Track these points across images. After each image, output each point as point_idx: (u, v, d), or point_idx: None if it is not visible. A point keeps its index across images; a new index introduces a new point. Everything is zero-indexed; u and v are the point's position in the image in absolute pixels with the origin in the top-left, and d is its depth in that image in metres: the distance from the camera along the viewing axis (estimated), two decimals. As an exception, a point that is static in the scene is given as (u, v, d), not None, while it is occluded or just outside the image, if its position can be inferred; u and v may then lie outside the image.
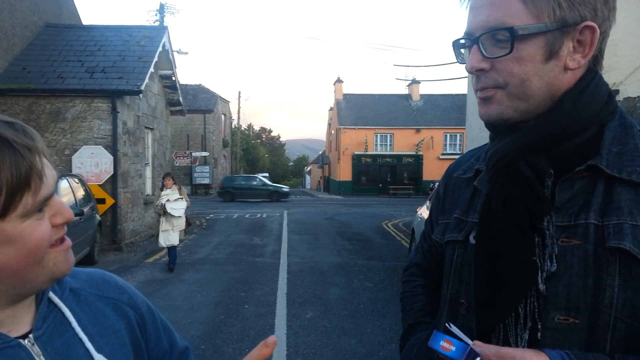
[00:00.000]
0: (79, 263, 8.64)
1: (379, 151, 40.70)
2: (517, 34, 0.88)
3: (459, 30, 1.05)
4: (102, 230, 10.68)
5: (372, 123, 40.44)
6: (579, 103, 0.92)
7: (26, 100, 11.00)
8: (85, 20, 16.34)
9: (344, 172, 40.73)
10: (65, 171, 10.31)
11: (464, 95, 18.56)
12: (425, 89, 44.70)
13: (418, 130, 39.95)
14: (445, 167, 1.32)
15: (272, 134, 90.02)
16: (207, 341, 5.30)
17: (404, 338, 1.29)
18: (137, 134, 12.69)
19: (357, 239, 13.41)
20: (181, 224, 8.87)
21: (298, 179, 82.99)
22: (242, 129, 57.51)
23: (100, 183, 11.08)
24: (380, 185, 40.24)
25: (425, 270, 1.35)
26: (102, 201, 10.92)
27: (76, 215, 8.05)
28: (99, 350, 0.80)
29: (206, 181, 34.47)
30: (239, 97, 48.70)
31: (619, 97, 6.17)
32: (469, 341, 0.87)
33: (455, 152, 39.67)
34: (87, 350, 0.79)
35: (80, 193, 9.34)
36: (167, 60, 14.26)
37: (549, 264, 0.90)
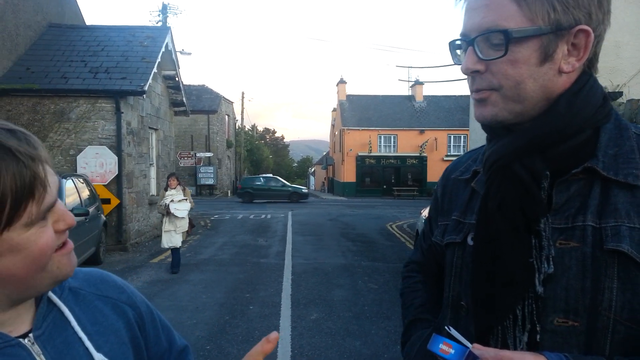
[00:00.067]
0: (85, 263, 8.67)
1: (383, 152, 40.67)
2: (512, 37, 0.88)
3: (458, 31, 1.05)
4: (107, 230, 10.70)
5: (376, 124, 40.43)
6: (573, 105, 0.92)
7: (30, 100, 11.04)
8: (88, 21, 16.40)
9: (348, 173, 40.72)
10: (70, 171, 10.33)
11: (468, 96, 18.55)
12: (428, 90, 44.57)
13: (422, 132, 39.91)
14: (449, 168, 1.33)
15: (276, 134, 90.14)
16: (212, 342, 5.30)
17: (405, 335, 1.29)
18: (141, 135, 12.71)
19: (361, 240, 13.40)
20: (184, 225, 8.82)
21: (302, 180, 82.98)
22: (246, 129, 57.57)
23: (105, 183, 11.12)
24: (385, 186, 40.20)
25: (424, 268, 1.36)
26: (107, 201, 10.96)
27: (81, 215, 8.08)
28: (98, 349, 0.81)
29: (210, 182, 34.54)
30: (243, 97, 48.76)
31: (622, 99, 6.14)
32: (468, 344, 0.88)
33: (459, 153, 39.57)
34: (86, 349, 0.80)
35: (86, 193, 9.36)
36: (170, 60, 14.29)
37: (546, 265, 0.90)
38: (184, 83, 16.48)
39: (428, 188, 37.77)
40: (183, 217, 8.69)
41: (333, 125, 50.39)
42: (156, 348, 0.96)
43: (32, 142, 0.71)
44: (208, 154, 33.84)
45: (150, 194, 13.67)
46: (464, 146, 39.66)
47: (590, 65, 0.95)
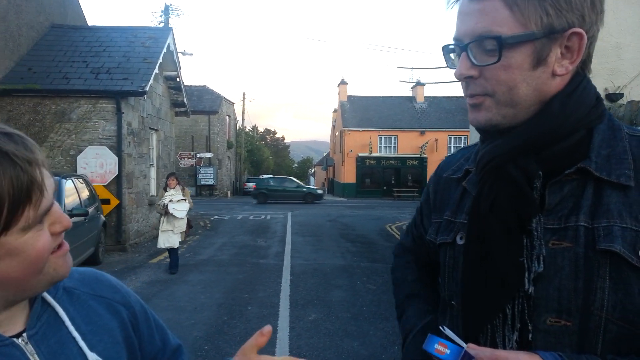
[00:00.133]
0: (84, 263, 8.67)
1: (383, 153, 40.66)
2: (505, 43, 0.88)
3: (452, 35, 1.05)
4: (106, 230, 10.72)
5: (377, 125, 40.41)
6: (567, 106, 0.92)
7: (32, 101, 11.06)
8: (91, 21, 16.43)
9: (348, 174, 40.71)
10: (70, 171, 10.33)
11: (469, 97, 18.52)
12: (429, 91, 44.65)
13: (422, 133, 39.89)
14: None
15: (277, 135, 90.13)
16: (210, 342, 5.31)
17: (399, 308, 1.32)
18: (141, 135, 12.73)
19: (360, 241, 13.40)
20: (182, 225, 8.72)
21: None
22: (247, 130, 57.60)
23: (105, 184, 11.13)
24: (385, 187, 40.19)
25: (415, 253, 1.39)
26: (106, 202, 10.97)
27: (81, 215, 8.08)
28: (91, 349, 0.81)
29: (210, 182, 34.55)
30: (244, 98, 48.79)
31: (623, 101, 6.15)
32: (463, 344, 0.88)
33: (459, 154, 39.51)
34: (80, 348, 0.80)
35: (85, 193, 9.37)
36: (171, 61, 14.31)
37: (536, 264, 0.91)
38: (185, 83, 16.49)
39: (428, 189, 37.67)
40: (181, 218, 8.62)
41: (334, 126, 50.39)
42: (150, 347, 0.96)
43: (29, 146, 0.71)
44: (208, 155, 33.83)
45: (150, 194, 13.68)
46: (464, 148, 39.56)
47: (584, 66, 0.96)
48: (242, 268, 9.35)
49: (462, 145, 40.13)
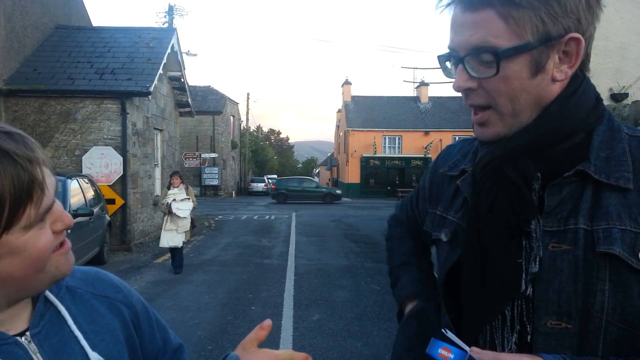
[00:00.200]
0: (89, 263, 8.69)
1: (388, 153, 40.62)
2: (502, 55, 0.88)
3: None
4: (111, 230, 10.76)
5: (381, 125, 40.37)
6: (566, 109, 0.92)
7: (37, 101, 11.12)
8: (95, 22, 16.49)
9: (352, 175, 40.69)
10: (76, 171, 10.38)
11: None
12: (434, 91, 44.55)
13: (426, 133, 39.83)
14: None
15: (281, 135, 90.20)
16: (214, 342, 5.32)
17: (393, 275, 1.36)
18: (146, 135, 12.76)
19: (364, 241, 13.39)
20: (186, 225, 8.66)
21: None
22: (251, 130, 57.65)
23: (110, 184, 11.18)
24: (389, 187, 40.13)
25: (409, 228, 1.44)
26: (111, 202, 11.01)
27: (86, 215, 8.11)
28: (93, 348, 0.81)
29: (215, 182, 34.59)
30: (248, 98, 48.87)
31: (628, 101, 6.13)
32: (467, 348, 0.88)
33: (464, 154, 39.43)
34: (82, 347, 0.80)
35: (90, 193, 9.40)
36: (176, 61, 14.35)
37: (532, 265, 0.91)
38: (190, 84, 16.53)
39: (432, 190, 37.62)
40: (185, 217, 8.56)
41: (338, 126, 50.37)
42: (151, 346, 0.96)
43: (29, 145, 0.71)
44: (213, 155, 33.89)
45: (155, 194, 13.72)
46: (469, 148, 39.47)
47: (583, 67, 0.95)
48: (246, 268, 9.37)
49: (467, 146, 40.42)
